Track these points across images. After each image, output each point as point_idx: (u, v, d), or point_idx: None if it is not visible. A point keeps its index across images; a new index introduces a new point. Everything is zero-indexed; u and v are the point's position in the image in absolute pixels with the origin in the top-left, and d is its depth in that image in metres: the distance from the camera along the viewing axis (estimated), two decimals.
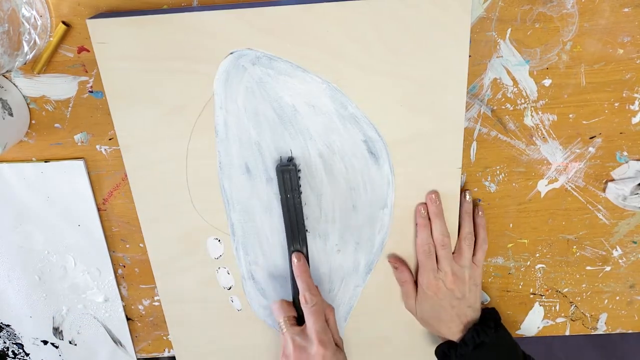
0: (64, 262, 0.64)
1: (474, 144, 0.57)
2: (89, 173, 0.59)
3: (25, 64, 0.52)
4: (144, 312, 0.68)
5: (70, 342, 0.70)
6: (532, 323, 0.68)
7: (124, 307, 0.67)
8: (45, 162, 0.59)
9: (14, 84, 0.55)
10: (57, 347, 0.70)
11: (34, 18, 0.49)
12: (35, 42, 0.50)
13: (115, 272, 0.65)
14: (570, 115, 0.56)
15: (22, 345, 0.70)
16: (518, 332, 0.68)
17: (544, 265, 0.64)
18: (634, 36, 0.52)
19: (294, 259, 0.57)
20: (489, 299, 0.66)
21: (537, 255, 0.63)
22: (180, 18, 0.48)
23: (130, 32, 0.49)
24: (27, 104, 0.56)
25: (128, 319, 0.68)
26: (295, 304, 0.59)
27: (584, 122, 0.56)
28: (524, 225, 0.62)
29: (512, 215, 0.61)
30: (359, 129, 0.53)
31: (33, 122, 0.57)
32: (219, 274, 0.61)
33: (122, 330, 0.68)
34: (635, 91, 0.54)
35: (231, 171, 0.56)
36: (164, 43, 0.49)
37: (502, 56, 0.53)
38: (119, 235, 0.63)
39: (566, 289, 0.66)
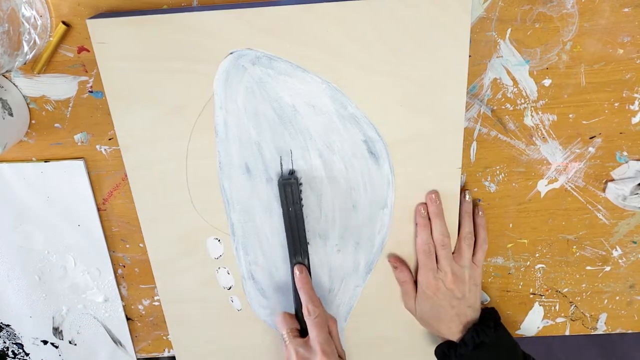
0: (64, 262, 0.64)
1: (474, 144, 0.57)
2: (89, 173, 0.59)
3: (25, 64, 0.52)
4: (143, 312, 0.68)
5: (70, 342, 0.70)
6: (532, 323, 0.68)
7: (123, 307, 0.67)
8: (45, 162, 0.59)
9: (14, 84, 0.55)
10: (57, 347, 0.70)
11: (34, 18, 0.49)
12: (35, 42, 0.50)
13: (115, 272, 0.65)
14: (570, 115, 0.56)
15: (22, 345, 0.70)
16: (518, 332, 0.68)
17: (543, 265, 0.64)
18: (634, 36, 0.52)
19: (296, 271, 0.57)
20: (488, 299, 0.66)
21: (537, 255, 0.63)
22: (180, 18, 0.48)
23: (130, 32, 0.49)
24: (27, 104, 0.56)
25: (128, 319, 0.68)
26: (298, 316, 0.59)
27: (584, 122, 0.56)
28: (523, 225, 0.62)
29: (512, 215, 0.61)
30: (359, 129, 0.53)
31: (33, 122, 0.57)
32: (219, 274, 0.61)
33: (122, 330, 0.68)
34: (635, 91, 0.54)
35: (231, 171, 0.56)
36: (164, 43, 0.49)
37: (502, 56, 0.53)
38: (119, 235, 0.63)
39: (566, 289, 0.66)
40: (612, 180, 0.59)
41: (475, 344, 0.56)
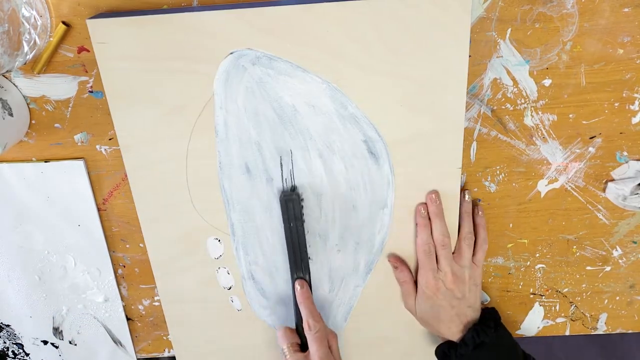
0: (64, 262, 0.64)
1: (474, 144, 0.57)
2: (89, 173, 0.59)
3: (25, 64, 0.52)
4: (144, 312, 0.68)
5: (70, 342, 0.70)
6: (532, 323, 0.68)
7: (124, 307, 0.67)
8: (45, 162, 0.59)
9: (14, 84, 0.55)
10: (57, 347, 0.70)
11: (34, 18, 0.49)
12: (35, 42, 0.50)
13: (115, 272, 0.65)
14: (570, 115, 0.56)
15: (22, 345, 0.70)
16: (518, 332, 0.68)
17: (544, 265, 0.64)
18: (634, 36, 0.52)
19: (297, 286, 0.58)
20: (488, 299, 0.66)
21: (537, 255, 0.63)
22: (180, 18, 0.48)
23: (130, 32, 0.49)
24: (27, 104, 0.56)
25: (128, 319, 0.68)
26: (299, 330, 0.59)
27: (584, 122, 0.56)
28: (524, 225, 0.62)
29: (512, 215, 0.61)
30: (359, 129, 0.53)
31: (33, 122, 0.57)
32: (219, 274, 0.61)
33: (122, 330, 0.68)
34: (635, 91, 0.54)
35: (231, 171, 0.56)
36: (164, 43, 0.49)
37: (502, 56, 0.53)
38: (119, 235, 0.63)
39: (566, 289, 0.66)
40: (612, 180, 0.59)
41: (476, 344, 0.56)
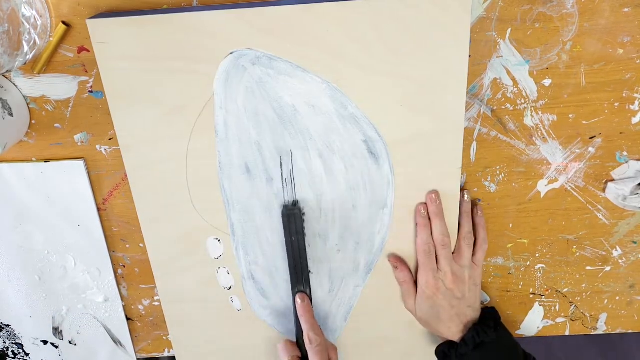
0: (64, 262, 0.64)
1: (474, 144, 0.57)
2: (89, 173, 0.59)
3: (25, 64, 0.52)
4: (144, 312, 0.68)
5: (70, 342, 0.70)
6: (532, 323, 0.68)
7: (124, 307, 0.67)
8: (45, 162, 0.59)
9: (14, 84, 0.55)
10: (57, 347, 0.70)
11: (34, 18, 0.49)
12: (35, 42, 0.50)
13: (115, 272, 0.65)
14: (570, 115, 0.56)
15: (22, 345, 0.70)
16: (518, 332, 0.68)
17: (543, 265, 0.64)
18: (634, 36, 0.52)
19: (298, 300, 0.58)
20: (488, 299, 0.66)
21: (537, 255, 0.63)
22: (180, 18, 0.48)
23: (130, 32, 0.49)
24: (27, 104, 0.56)
25: (128, 319, 0.68)
26: (299, 343, 0.60)
27: (584, 122, 0.56)
28: (523, 225, 0.62)
29: (512, 215, 0.61)
30: (359, 129, 0.53)
31: (33, 122, 0.57)
32: (219, 274, 0.61)
33: (122, 330, 0.68)
34: (635, 91, 0.54)
35: (231, 171, 0.56)
36: (164, 43, 0.49)
37: (502, 56, 0.53)
38: (119, 235, 0.63)
39: (566, 289, 0.66)
40: (612, 180, 0.59)
41: (476, 343, 0.56)
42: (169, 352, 0.70)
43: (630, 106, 0.55)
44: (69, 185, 0.60)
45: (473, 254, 0.59)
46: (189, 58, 0.50)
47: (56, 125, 0.57)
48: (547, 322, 0.68)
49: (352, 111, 0.53)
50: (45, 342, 0.70)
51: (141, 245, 0.63)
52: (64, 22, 0.52)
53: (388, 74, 0.51)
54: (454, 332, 0.58)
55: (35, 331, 0.69)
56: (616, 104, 0.55)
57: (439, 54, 0.50)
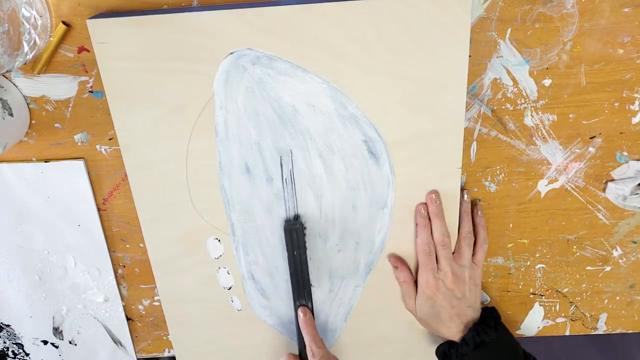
0: (64, 262, 0.64)
1: (474, 144, 0.57)
2: (89, 173, 0.59)
3: (25, 64, 0.52)
4: (144, 312, 0.68)
5: (70, 342, 0.70)
6: (532, 323, 0.68)
7: (124, 307, 0.67)
8: (45, 162, 0.59)
9: (14, 84, 0.55)
10: (57, 347, 0.70)
11: (34, 18, 0.49)
12: (35, 42, 0.50)
13: (115, 272, 0.65)
14: (570, 115, 0.56)
15: (22, 345, 0.70)
16: (518, 332, 0.68)
17: (544, 265, 0.64)
18: (634, 36, 0.52)
19: (300, 313, 0.59)
20: (488, 299, 0.66)
21: (537, 255, 0.63)
22: (180, 18, 0.48)
23: (130, 32, 0.49)
24: (27, 104, 0.56)
25: (128, 319, 0.68)
26: (302, 356, 0.60)
27: (584, 122, 0.56)
28: (524, 225, 0.62)
29: (512, 215, 0.61)
30: (359, 129, 0.53)
31: (33, 122, 0.57)
32: (219, 274, 0.61)
33: (122, 330, 0.68)
34: (635, 91, 0.54)
35: (231, 171, 0.56)
36: (164, 43, 0.49)
37: (502, 56, 0.53)
38: (119, 235, 0.63)
39: (566, 289, 0.66)
40: (612, 180, 0.59)
41: (476, 343, 0.56)
42: (169, 352, 0.70)
43: (630, 106, 0.55)
44: (69, 185, 0.60)
45: (473, 254, 0.59)
46: (189, 58, 0.50)
47: (56, 125, 0.57)
48: (547, 322, 0.68)
49: (352, 111, 0.53)
50: (45, 342, 0.70)
51: (141, 245, 0.63)
52: (64, 22, 0.52)
53: (388, 74, 0.51)
54: (454, 332, 0.58)
55: (35, 331, 0.69)
56: (616, 104, 0.55)
57: (439, 54, 0.50)
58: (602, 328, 0.68)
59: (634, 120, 0.56)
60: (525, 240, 0.63)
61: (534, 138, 0.57)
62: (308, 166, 0.55)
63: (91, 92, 0.55)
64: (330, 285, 0.61)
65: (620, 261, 0.64)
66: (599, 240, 0.62)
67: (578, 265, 0.64)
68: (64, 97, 0.56)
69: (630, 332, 0.68)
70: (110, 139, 0.58)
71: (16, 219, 0.62)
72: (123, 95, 0.52)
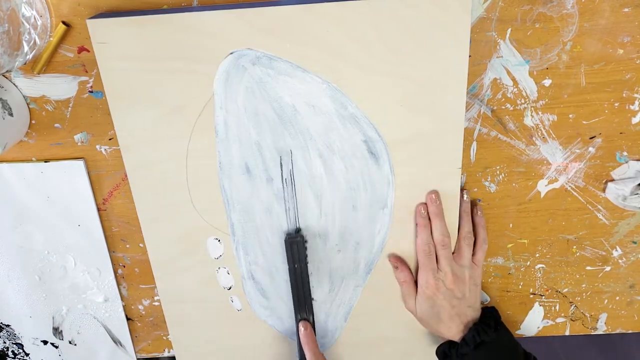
0: (64, 262, 0.64)
1: (474, 144, 0.57)
2: (89, 173, 0.59)
3: (25, 64, 0.52)
4: (144, 312, 0.68)
5: (70, 342, 0.70)
6: (532, 323, 0.68)
7: (124, 307, 0.67)
8: (45, 162, 0.59)
9: (14, 84, 0.55)
10: (57, 347, 0.70)
11: (34, 18, 0.49)
12: (35, 42, 0.50)
13: (115, 272, 0.65)
14: (570, 115, 0.56)
15: (22, 345, 0.70)
16: (518, 332, 0.68)
17: (543, 265, 0.64)
18: (634, 36, 0.52)
19: (301, 328, 0.59)
20: (488, 299, 0.66)
21: (537, 255, 0.63)
22: (180, 18, 0.48)
23: (130, 32, 0.49)
24: (27, 104, 0.56)
25: (128, 319, 0.68)
26: None
27: (584, 122, 0.56)
28: (524, 225, 0.62)
29: (512, 215, 0.61)
30: (359, 129, 0.53)
31: (33, 122, 0.57)
32: (219, 274, 0.61)
33: (122, 330, 0.68)
34: (635, 91, 0.54)
35: (231, 171, 0.56)
36: (164, 43, 0.49)
37: (502, 56, 0.53)
38: (119, 235, 0.63)
39: (566, 289, 0.66)
40: (612, 180, 0.59)
41: (476, 343, 0.56)
42: (169, 352, 0.70)
43: (630, 106, 0.55)
44: (69, 185, 0.60)
45: (473, 254, 0.59)
46: (189, 58, 0.50)
47: (56, 125, 0.57)
48: (547, 322, 0.68)
49: (352, 111, 0.53)
50: (45, 342, 0.70)
51: (141, 245, 0.63)
52: (64, 22, 0.52)
53: (388, 74, 0.51)
54: (454, 332, 0.58)
55: (35, 331, 0.69)
56: (616, 104, 0.55)
57: (439, 54, 0.50)
58: (602, 328, 0.68)
59: (634, 120, 0.56)
60: (525, 240, 0.63)
61: (533, 138, 0.57)
62: (308, 166, 0.55)
63: (91, 92, 0.55)
64: (330, 285, 0.61)
65: (620, 261, 0.64)
66: (598, 240, 0.62)
67: (578, 265, 0.64)
68: (64, 97, 0.56)
69: (630, 332, 0.68)
70: (110, 139, 0.58)
71: (16, 219, 0.62)
72: (123, 95, 0.52)
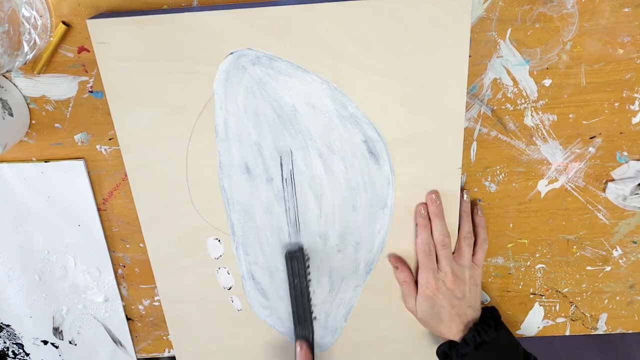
0: (64, 262, 0.64)
1: (474, 144, 0.57)
2: (89, 173, 0.59)
3: (25, 64, 0.52)
4: (144, 312, 0.68)
5: (70, 342, 0.70)
6: (532, 323, 0.68)
7: (124, 307, 0.67)
8: (45, 162, 0.59)
9: (14, 84, 0.55)
10: (57, 347, 0.70)
11: (34, 18, 0.49)
12: (35, 42, 0.50)
13: (115, 272, 0.65)
14: (570, 115, 0.56)
15: (22, 345, 0.70)
16: (518, 332, 0.68)
17: (544, 265, 0.64)
18: (634, 36, 0.52)
19: (297, 348, 0.60)
20: (488, 299, 0.66)
21: (537, 255, 0.63)
22: (180, 18, 0.48)
23: (130, 32, 0.49)
24: (27, 104, 0.56)
25: (128, 319, 0.68)
26: None
27: (584, 122, 0.56)
28: (524, 225, 0.62)
29: (512, 215, 0.61)
30: (359, 129, 0.53)
31: (33, 122, 0.57)
32: (219, 274, 0.61)
33: (122, 330, 0.68)
34: (635, 91, 0.55)
35: (231, 171, 0.56)
36: (164, 43, 0.49)
37: (502, 56, 0.53)
38: (119, 235, 0.63)
39: (566, 289, 0.66)
40: (612, 180, 0.59)
41: (477, 343, 0.56)
42: (169, 352, 0.70)
43: (630, 106, 0.55)
44: (69, 185, 0.60)
45: (473, 254, 0.59)
46: (189, 58, 0.50)
47: (56, 125, 0.57)
48: (548, 322, 0.68)
49: (352, 111, 0.53)
50: (45, 342, 0.70)
51: (141, 245, 0.63)
52: (64, 22, 0.52)
53: (388, 74, 0.51)
54: (454, 332, 0.58)
55: (35, 331, 0.69)
56: (616, 104, 0.55)
57: (439, 54, 0.50)
58: (602, 328, 0.68)
59: (634, 120, 0.56)
60: (525, 240, 0.63)
61: (534, 138, 0.57)
62: (308, 166, 0.55)
63: (91, 92, 0.55)
64: (330, 285, 0.61)
65: (620, 261, 0.64)
66: (599, 240, 0.62)
67: (578, 265, 0.64)
68: (64, 97, 0.56)
69: (630, 332, 0.68)
70: (110, 139, 0.58)
71: (16, 219, 0.62)
72: (123, 95, 0.52)
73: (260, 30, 0.49)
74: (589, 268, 0.64)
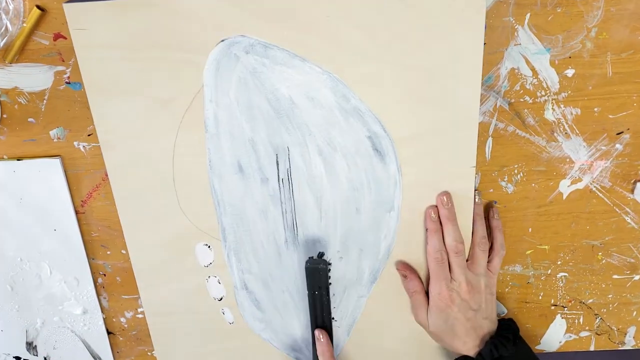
0: (39, 271, 0.64)
1: (490, 140, 0.58)
2: (66, 172, 0.59)
3: None
4: (126, 326, 0.68)
5: (45, 358, 0.70)
6: (554, 337, 0.68)
7: (104, 319, 0.67)
8: (18, 160, 0.59)
9: None
10: None
11: (5, 2, 0.49)
12: (6, 28, 0.50)
13: (95, 282, 0.65)
14: (595, 109, 0.56)
15: None
16: (538, 347, 0.68)
17: (566, 274, 0.64)
18: None
19: (319, 336, 0.60)
20: (505, 311, 0.66)
21: (559, 262, 0.64)
22: (166, 2, 0.48)
23: (111, 18, 0.49)
24: None
25: (109, 332, 0.68)
26: None
27: (610, 116, 0.56)
28: (544, 230, 0.62)
29: (531, 218, 0.61)
30: (363, 124, 0.53)
31: (4, 116, 0.57)
32: (208, 283, 0.61)
33: (103, 345, 0.68)
34: None
35: (222, 170, 0.56)
36: (149, 30, 0.49)
37: (520, 44, 0.53)
38: (99, 241, 0.63)
39: (591, 300, 0.66)
40: None
41: (494, 358, 0.56)
42: None
43: None
44: (44, 186, 0.60)
45: (488, 261, 0.59)
46: (175, 46, 0.50)
47: (30, 119, 0.57)
48: (570, 337, 0.68)
49: (355, 104, 0.53)
50: (17, 359, 0.70)
51: (123, 251, 0.63)
52: (38, 7, 0.52)
53: (395, 64, 0.51)
54: (469, 347, 0.58)
55: (6, 346, 0.69)
56: None
57: (450, 41, 0.50)
58: (630, 343, 0.68)
59: None
60: (546, 247, 0.63)
61: (555, 134, 0.57)
62: (307, 164, 0.55)
63: (68, 83, 0.55)
64: (331, 295, 0.61)
65: None
66: (626, 247, 0.62)
67: (604, 273, 0.64)
68: (38, 89, 0.56)
69: None
70: (89, 135, 0.58)
71: None
72: (103, 87, 0.52)
73: (253, 15, 0.49)
74: (615, 277, 0.64)
